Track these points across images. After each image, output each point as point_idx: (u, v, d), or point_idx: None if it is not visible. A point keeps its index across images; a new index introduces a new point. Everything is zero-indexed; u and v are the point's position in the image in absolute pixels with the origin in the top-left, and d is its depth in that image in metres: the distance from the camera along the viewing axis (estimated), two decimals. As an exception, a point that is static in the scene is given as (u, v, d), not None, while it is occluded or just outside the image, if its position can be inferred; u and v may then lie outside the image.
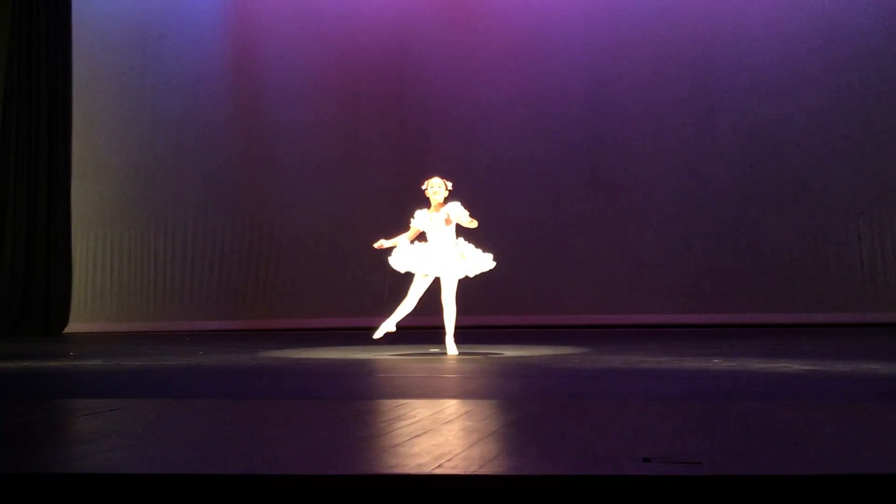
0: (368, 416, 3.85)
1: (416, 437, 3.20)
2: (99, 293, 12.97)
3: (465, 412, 4.07)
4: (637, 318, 11.75)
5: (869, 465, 2.71)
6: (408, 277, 7.72)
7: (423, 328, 8.65)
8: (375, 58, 12.70)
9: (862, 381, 5.27)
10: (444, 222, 7.51)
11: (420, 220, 7.66)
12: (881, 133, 11.69)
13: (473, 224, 7.53)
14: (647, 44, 12.18)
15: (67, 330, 12.51)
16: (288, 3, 13.00)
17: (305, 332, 11.67)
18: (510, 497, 2.52)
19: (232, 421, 3.91)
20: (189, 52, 13.06)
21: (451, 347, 7.54)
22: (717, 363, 6.35)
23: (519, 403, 4.50)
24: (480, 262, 7.57)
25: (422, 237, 7.70)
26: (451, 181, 7.72)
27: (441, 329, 7.66)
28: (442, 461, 2.74)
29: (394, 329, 7.65)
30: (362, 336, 9.75)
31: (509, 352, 7.90)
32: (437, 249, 7.53)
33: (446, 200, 7.64)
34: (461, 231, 7.66)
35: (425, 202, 7.71)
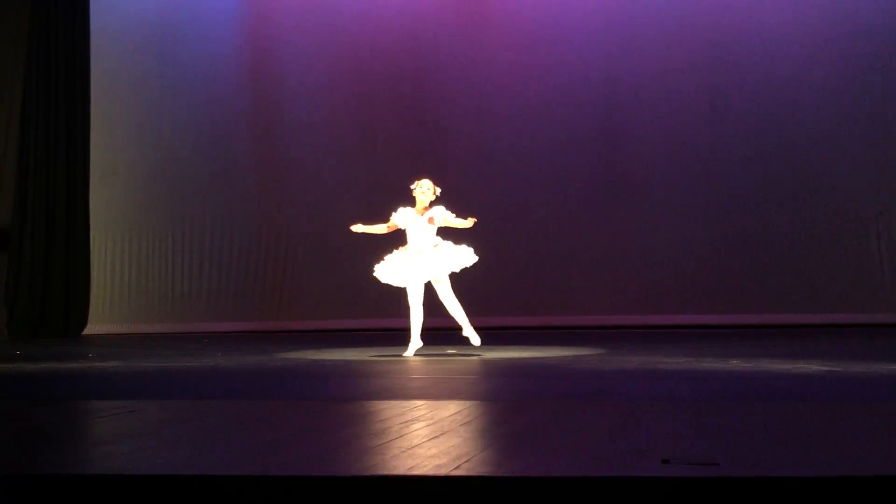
0: (386, 417, 3.85)
1: (433, 438, 3.20)
2: (117, 295, 13.03)
3: (482, 413, 4.06)
4: (654, 318, 11.71)
5: (890, 466, 2.70)
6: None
7: (437, 329, 8.64)
8: (390, 58, 12.72)
9: (881, 382, 5.23)
10: (428, 221, 7.54)
11: (403, 217, 7.69)
12: (901, 131, 11.63)
13: (468, 223, 7.52)
14: (660, 42, 12.15)
15: (86, 332, 12.57)
16: (304, 3, 13.02)
17: (322, 334, 11.69)
18: (528, 498, 2.51)
19: (250, 422, 3.92)
20: (206, 53, 13.10)
21: (474, 337, 7.61)
22: (735, 364, 6.32)
23: (536, 404, 4.49)
24: (463, 257, 7.55)
25: (401, 236, 7.70)
26: (439, 185, 7.72)
27: (458, 330, 7.67)
28: (460, 462, 2.74)
29: (421, 343, 7.64)
30: (379, 337, 9.76)
31: (526, 353, 7.89)
32: (418, 255, 7.53)
33: (432, 204, 7.65)
34: (448, 233, 7.66)
35: (438, 204, 7.71)
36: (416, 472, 2.65)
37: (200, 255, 12.91)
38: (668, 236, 11.99)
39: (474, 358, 7.41)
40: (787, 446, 3.04)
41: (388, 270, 7.62)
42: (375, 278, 7.72)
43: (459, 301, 7.63)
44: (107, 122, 13.02)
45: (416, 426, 3.48)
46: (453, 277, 7.63)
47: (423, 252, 7.53)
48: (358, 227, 7.88)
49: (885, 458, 2.84)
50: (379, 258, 7.73)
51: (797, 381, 5.34)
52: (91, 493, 2.62)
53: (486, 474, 2.66)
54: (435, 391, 5.29)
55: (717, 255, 11.90)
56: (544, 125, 12.32)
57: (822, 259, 11.62)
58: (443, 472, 2.63)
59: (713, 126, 12.05)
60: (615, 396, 4.85)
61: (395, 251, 7.65)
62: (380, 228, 7.81)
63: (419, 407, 4.11)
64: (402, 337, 7.87)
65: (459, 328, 7.72)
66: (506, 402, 4.65)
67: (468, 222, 7.53)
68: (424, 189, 7.66)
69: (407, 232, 7.66)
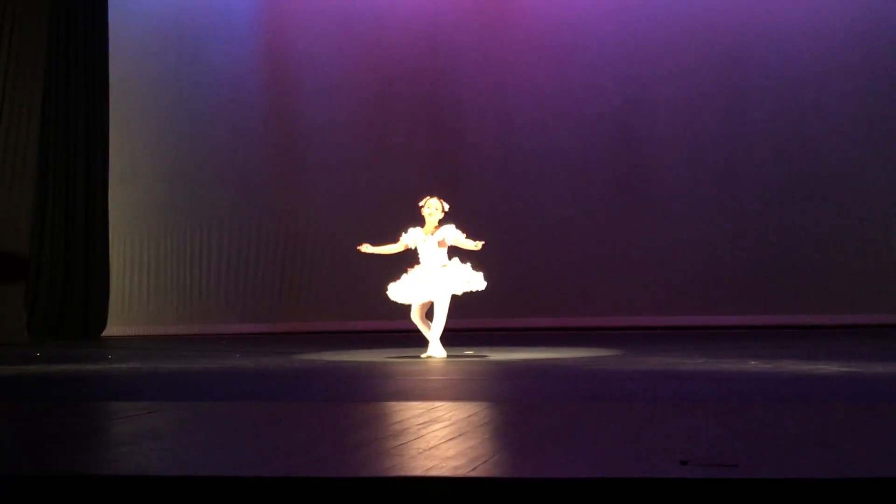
0: (404, 418, 3.85)
1: (451, 439, 3.20)
2: (136, 297, 13.10)
3: (500, 414, 4.06)
4: (673, 319, 11.68)
5: (910, 468, 2.68)
6: None
7: (455, 330, 8.64)
8: (408, 58, 12.73)
9: (902, 383, 5.20)
10: (438, 244, 7.53)
11: (412, 237, 7.69)
12: (920, 131, 11.55)
13: (476, 246, 7.51)
14: (678, 43, 12.12)
15: (105, 333, 12.63)
16: (321, 4, 13.05)
17: (340, 335, 11.71)
18: (546, 499, 2.51)
19: (268, 424, 3.93)
20: (224, 55, 13.15)
21: (438, 349, 7.57)
22: (755, 365, 6.30)
23: (553, 406, 4.48)
24: (472, 282, 7.53)
25: (413, 255, 7.70)
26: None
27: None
28: (477, 464, 2.74)
29: (444, 353, 7.63)
30: (397, 339, 9.77)
31: (543, 354, 7.88)
32: (428, 275, 7.52)
33: (441, 223, 7.65)
34: (459, 252, 7.65)
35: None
36: (433, 473, 2.65)
37: (219, 256, 12.96)
38: (685, 237, 11.95)
39: (492, 359, 7.40)
40: (807, 447, 3.02)
41: (398, 291, 7.64)
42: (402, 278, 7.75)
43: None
44: (126, 124, 13.08)
45: (433, 427, 3.48)
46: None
47: (432, 272, 7.54)
48: (367, 248, 7.89)
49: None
50: (394, 266, 7.75)
51: (817, 381, 5.31)
52: (110, 494, 2.64)
53: (503, 475, 2.65)
54: (453, 392, 5.29)
55: (736, 255, 11.85)
56: (562, 126, 12.30)
57: (840, 260, 11.56)
58: (460, 473, 2.63)
59: (731, 126, 12.01)
60: (633, 397, 4.83)
61: (409, 271, 7.66)
62: (390, 248, 7.83)
63: (437, 408, 4.11)
64: (419, 338, 7.87)
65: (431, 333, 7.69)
66: (523, 404, 4.65)
67: (477, 245, 7.52)
68: (432, 209, 7.66)
69: (418, 252, 7.68)
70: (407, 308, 7.76)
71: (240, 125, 13.07)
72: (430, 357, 7.53)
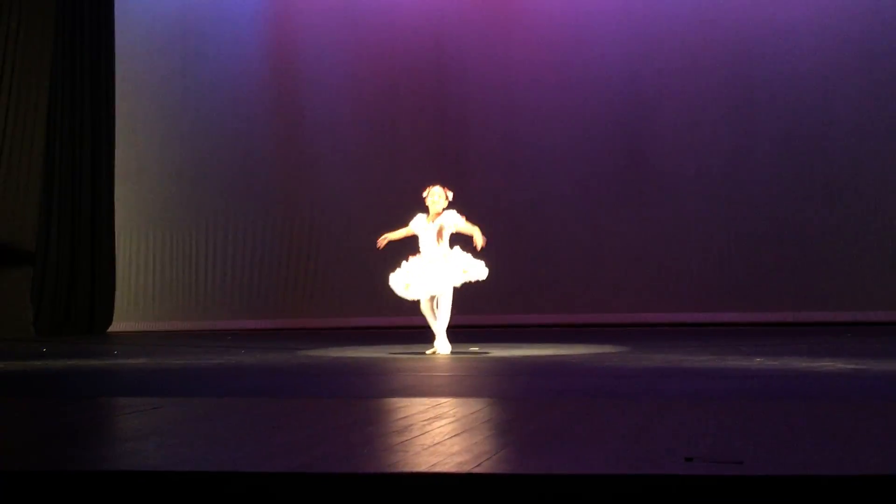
0: (408, 414, 3.86)
1: (456, 435, 3.20)
2: (142, 293, 13.12)
3: (505, 411, 4.06)
4: (678, 316, 11.66)
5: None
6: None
7: (459, 327, 8.64)
8: (413, 55, 12.73)
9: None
10: (438, 233, 7.53)
11: (417, 225, 7.69)
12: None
13: (477, 236, 7.49)
14: (685, 38, 12.09)
15: (111, 329, 12.65)
16: (325, 1, 13.05)
17: (345, 331, 11.72)
18: (551, 496, 2.51)
19: (273, 419, 3.93)
20: (229, 52, 13.15)
21: (443, 345, 7.57)
22: (760, 362, 6.29)
23: (558, 402, 4.49)
24: (472, 271, 7.52)
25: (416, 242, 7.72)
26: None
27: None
28: (482, 460, 2.75)
29: (449, 349, 7.62)
30: (401, 334, 9.78)
31: (549, 350, 7.88)
32: (429, 265, 7.51)
33: (445, 210, 7.64)
34: (459, 240, 7.64)
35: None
36: (438, 469, 2.66)
37: (224, 253, 12.97)
38: (691, 233, 11.93)
39: (496, 356, 7.41)
40: (812, 445, 3.02)
41: (398, 281, 7.64)
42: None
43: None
44: (131, 122, 13.10)
45: (438, 424, 3.49)
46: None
47: (433, 261, 7.53)
48: (387, 238, 7.86)
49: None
50: (396, 261, 7.74)
51: (822, 379, 5.31)
52: (116, 490, 2.64)
53: (507, 472, 2.66)
54: (457, 389, 5.29)
55: (741, 252, 11.83)
56: (567, 122, 12.29)
57: (846, 257, 11.53)
58: (465, 469, 2.63)
59: (738, 122, 11.98)
60: (638, 394, 4.83)
61: (409, 258, 7.66)
62: (402, 232, 7.83)
63: (442, 404, 4.11)
64: (424, 335, 7.88)
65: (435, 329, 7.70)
66: (528, 400, 4.65)
67: (478, 235, 7.49)
68: (435, 197, 7.65)
69: (419, 239, 7.68)
70: (414, 303, 7.76)
71: (245, 122, 13.07)
72: (434, 353, 7.53)
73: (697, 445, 2.97)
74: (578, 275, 12.08)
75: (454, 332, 7.91)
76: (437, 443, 3.05)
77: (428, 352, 7.58)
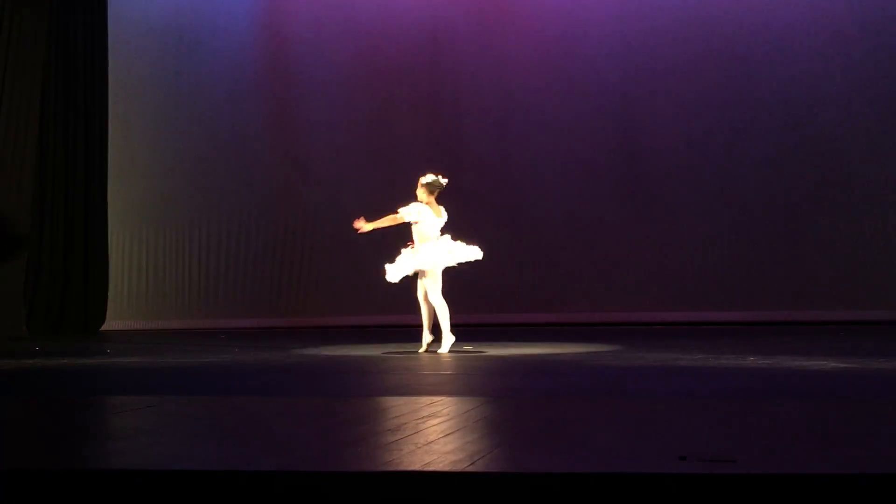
0: (401, 413, 3.86)
1: (449, 434, 3.20)
2: (136, 291, 13.09)
3: (498, 409, 4.07)
4: (672, 315, 11.68)
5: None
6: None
7: (455, 325, 8.63)
8: (408, 56, 12.72)
9: (900, 379, 5.20)
10: (413, 223, 7.63)
11: (423, 215, 7.68)
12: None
13: (399, 217, 7.56)
14: (678, 39, 12.09)
15: (105, 328, 12.63)
16: (321, 2, 13.04)
17: (339, 330, 11.72)
18: (545, 494, 2.51)
19: (267, 418, 3.93)
20: (223, 52, 13.13)
21: (446, 345, 7.57)
22: (753, 361, 6.30)
23: (552, 401, 4.49)
24: (454, 252, 7.56)
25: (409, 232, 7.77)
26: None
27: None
28: (475, 458, 2.75)
29: (453, 338, 7.64)
30: (395, 333, 9.77)
31: (542, 349, 7.88)
32: (419, 246, 7.59)
33: (439, 203, 7.72)
34: (448, 229, 7.68)
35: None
36: (432, 467, 2.66)
37: (218, 251, 12.96)
38: (685, 233, 11.95)
39: (490, 354, 7.41)
40: (804, 443, 3.03)
41: (395, 272, 7.67)
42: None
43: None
44: (124, 119, 13.07)
45: (431, 422, 3.49)
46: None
47: (421, 247, 7.59)
48: (369, 226, 7.84)
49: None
50: (391, 254, 7.76)
51: (815, 378, 5.32)
52: (109, 488, 2.64)
53: (501, 471, 2.66)
54: (451, 387, 5.29)
55: (735, 251, 11.84)
56: (562, 123, 12.28)
57: (840, 256, 11.55)
58: (459, 468, 2.63)
59: (733, 122, 11.99)
60: (631, 393, 4.84)
61: (402, 251, 7.71)
62: (388, 220, 7.81)
63: (435, 403, 4.11)
64: (417, 334, 7.87)
65: (438, 328, 7.72)
66: (522, 399, 4.66)
67: (397, 219, 7.57)
68: (417, 187, 7.76)
69: (419, 227, 7.72)
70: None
71: (239, 121, 13.05)
72: (426, 351, 7.54)
73: (691, 444, 2.97)
74: (572, 274, 12.08)
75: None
76: (431, 441, 3.06)
77: (420, 350, 7.58)
